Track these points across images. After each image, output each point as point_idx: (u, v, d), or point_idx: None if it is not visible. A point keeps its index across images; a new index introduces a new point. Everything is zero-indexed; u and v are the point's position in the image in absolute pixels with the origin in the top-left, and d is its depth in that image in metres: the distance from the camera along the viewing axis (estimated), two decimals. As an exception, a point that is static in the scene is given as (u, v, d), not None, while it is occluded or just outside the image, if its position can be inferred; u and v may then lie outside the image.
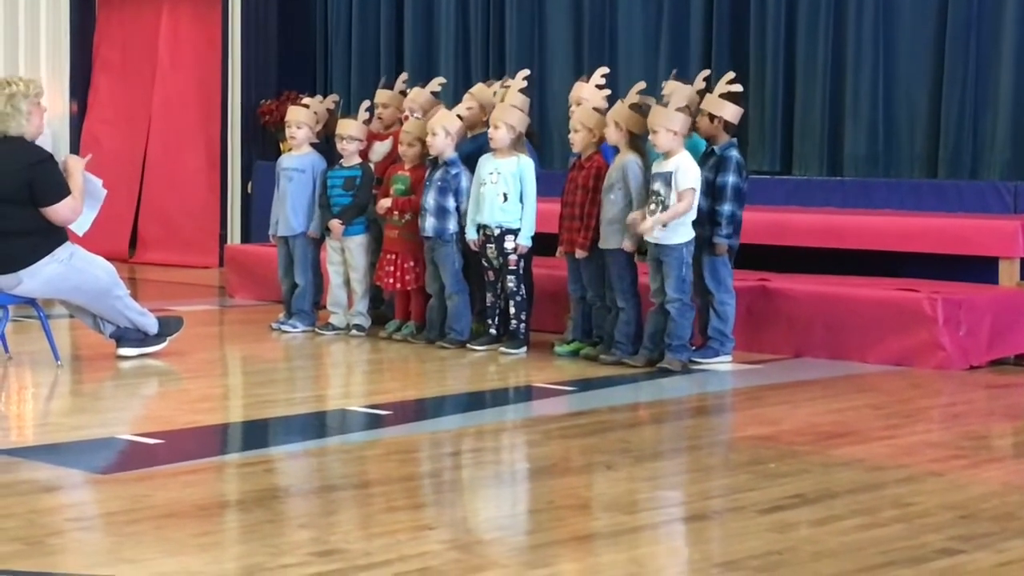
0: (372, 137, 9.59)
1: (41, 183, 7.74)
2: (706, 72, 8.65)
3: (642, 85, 8.44)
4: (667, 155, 7.90)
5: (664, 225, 7.84)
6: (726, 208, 8.07)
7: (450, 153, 8.71)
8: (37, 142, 7.97)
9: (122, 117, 14.90)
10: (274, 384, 7.88)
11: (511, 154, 8.48)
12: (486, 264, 8.62)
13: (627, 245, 8.06)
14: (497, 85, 9.36)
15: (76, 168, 7.93)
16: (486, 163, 8.55)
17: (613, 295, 8.18)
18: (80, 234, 8.11)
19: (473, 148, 8.84)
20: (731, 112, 8.13)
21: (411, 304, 9.11)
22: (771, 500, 5.16)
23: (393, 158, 9.28)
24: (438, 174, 8.73)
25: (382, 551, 4.51)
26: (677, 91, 8.21)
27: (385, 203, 8.96)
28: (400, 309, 9.22)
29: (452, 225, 8.69)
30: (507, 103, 8.59)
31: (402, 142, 9.05)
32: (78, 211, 7.89)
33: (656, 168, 7.96)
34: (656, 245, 7.93)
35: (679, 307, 7.92)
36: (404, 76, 10.11)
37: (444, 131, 8.68)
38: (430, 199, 8.71)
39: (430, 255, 8.77)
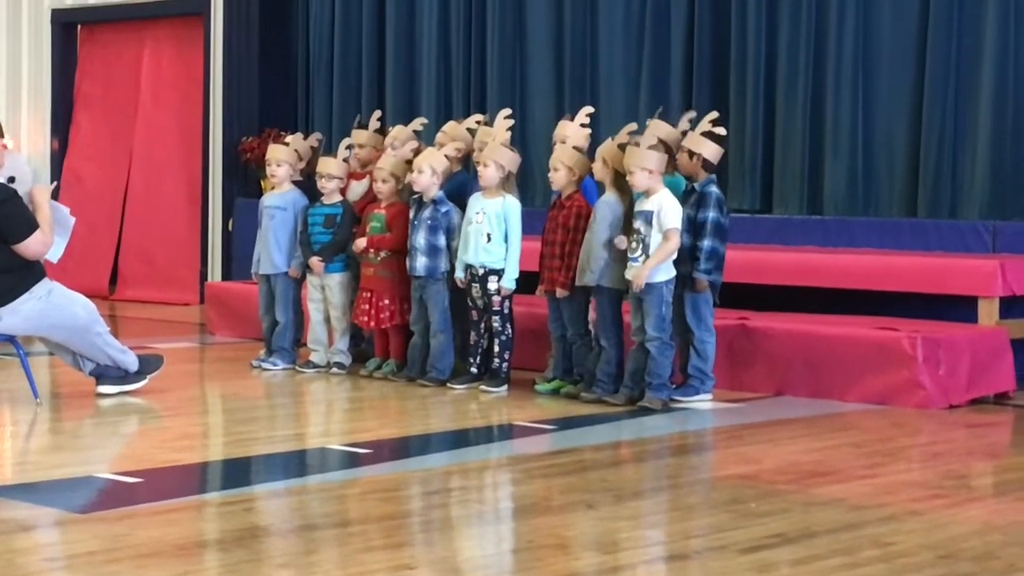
0: (350, 176, 9.59)
1: (9, 221, 7.69)
2: (692, 114, 8.68)
3: (633, 126, 8.45)
4: (647, 194, 7.93)
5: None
6: (706, 244, 8.08)
7: (435, 191, 8.71)
8: (19, 178, 7.94)
9: (103, 154, 14.90)
10: (254, 422, 7.86)
11: (498, 194, 8.49)
12: (470, 303, 8.62)
13: (588, 280, 8.08)
14: (471, 121, 9.38)
15: (43, 199, 7.89)
16: (474, 202, 8.56)
17: (598, 331, 8.20)
18: (54, 261, 8.06)
19: (449, 187, 8.84)
20: (711, 151, 8.16)
21: (390, 342, 9.10)
22: (752, 539, 5.16)
23: (371, 197, 9.28)
24: (427, 213, 8.73)
25: (362, 591, 4.50)
26: (650, 129, 8.24)
27: (360, 243, 8.96)
28: (380, 347, 9.21)
29: (444, 263, 8.69)
30: (497, 142, 8.60)
31: (376, 178, 9.05)
32: (48, 244, 7.85)
33: (637, 207, 7.98)
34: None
35: (659, 345, 7.93)
36: (378, 114, 10.12)
37: (431, 169, 8.69)
38: (420, 239, 8.70)
39: (419, 293, 8.76)
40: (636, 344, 8.05)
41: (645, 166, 7.88)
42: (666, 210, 7.88)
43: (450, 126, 9.45)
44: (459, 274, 8.57)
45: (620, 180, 8.11)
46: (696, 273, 8.09)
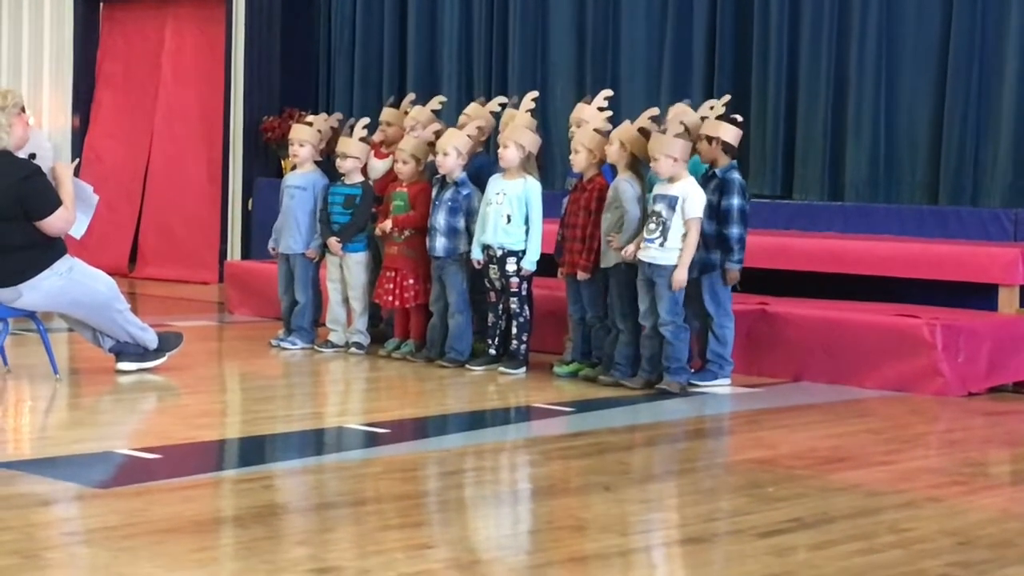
0: (373, 152, 9.58)
1: (32, 197, 7.70)
2: (712, 102, 8.63)
3: (655, 111, 8.41)
4: (672, 180, 7.91)
5: (662, 246, 7.85)
6: (735, 231, 8.05)
7: (459, 173, 8.71)
8: (40, 154, 7.95)
9: (124, 132, 14.92)
10: (273, 401, 7.88)
11: (519, 175, 8.48)
12: (488, 284, 8.62)
13: (622, 251, 8.01)
14: (494, 103, 9.37)
15: (65, 176, 7.88)
16: (494, 183, 8.55)
17: (615, 314, 8.19)
18: (77, 237, 8.07)
19: (469, 169, 8.82)
20: (731, 134, 8.12)
21: (411, 322, 9.11)
22: (769, 524, 5.16)
23: (392, 176, 9.27)
24: (448, 194, 8.73)
25: (380, 569, 4.51)
26: (675, 117, 8.21)
27: (387, 225, 8.95)
28: (399, 327, 9.22)
29: (463, 245, 8.68)
30: (519, 123, 8.59)
31: (397, 159, 9.05)
32: (71, 221, 7.84)
33: (659, 190, 7.96)
34: (649, 265, 7.93)
35: (673, 329, 7.92)
36: (411, 96, 10.11)
37: (456, 151, 8.68)
38: (440, 219, 8.70)
39: (438, 274, 8.76)
40: (647, 328, 8.02)
41: (670, 153, 7.86)
42: (691, 199, 7.85)
43: (472, 108, 9.43)
44: (476, 255, 8.57)
45: (636, 164, 8.10)
46: (728, 264, 8.06)
